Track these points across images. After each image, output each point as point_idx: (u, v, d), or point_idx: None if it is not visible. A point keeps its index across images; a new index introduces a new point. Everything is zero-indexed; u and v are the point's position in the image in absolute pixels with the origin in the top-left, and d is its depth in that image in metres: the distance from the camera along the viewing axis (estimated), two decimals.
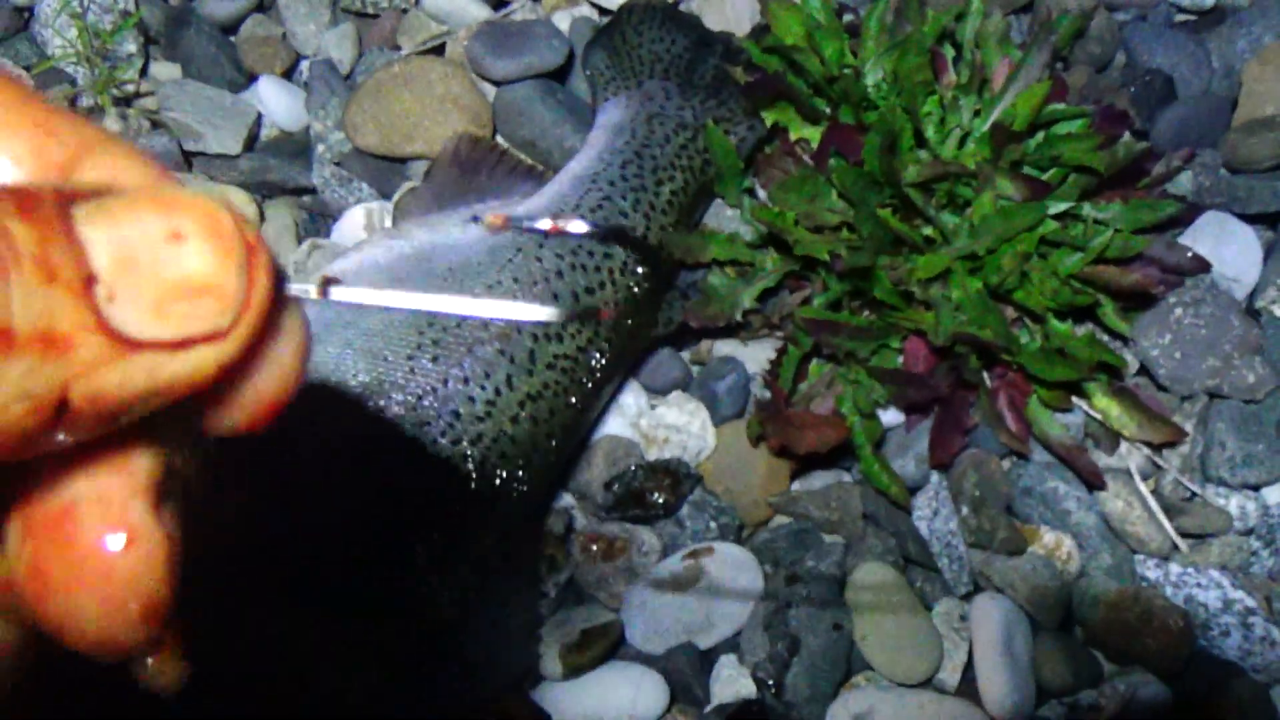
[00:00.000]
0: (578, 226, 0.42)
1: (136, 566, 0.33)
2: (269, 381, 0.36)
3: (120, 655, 0.34)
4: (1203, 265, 1.16)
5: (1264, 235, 1.22)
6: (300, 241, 1.26)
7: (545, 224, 0.42)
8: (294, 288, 0.37)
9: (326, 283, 0.40)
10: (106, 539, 0.33)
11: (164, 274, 0.32)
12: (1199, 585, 1.11)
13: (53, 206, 0.32)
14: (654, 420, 1.16)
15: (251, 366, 0.35)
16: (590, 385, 1.09)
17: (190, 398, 0.34)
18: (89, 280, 0.32)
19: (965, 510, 1.12)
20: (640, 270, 1.14)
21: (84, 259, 0.32)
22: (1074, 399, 1.14)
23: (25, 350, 0.30)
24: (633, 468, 1.13)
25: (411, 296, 0.41)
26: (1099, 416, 1.14)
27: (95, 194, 0.33)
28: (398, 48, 1.38)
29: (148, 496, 0.34)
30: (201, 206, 0.33)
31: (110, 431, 0.33)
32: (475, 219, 1.15)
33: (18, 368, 0.30)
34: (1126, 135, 1.21)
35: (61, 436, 0.32)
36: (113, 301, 0.32)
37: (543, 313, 0.42)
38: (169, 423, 0.35)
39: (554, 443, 1.06)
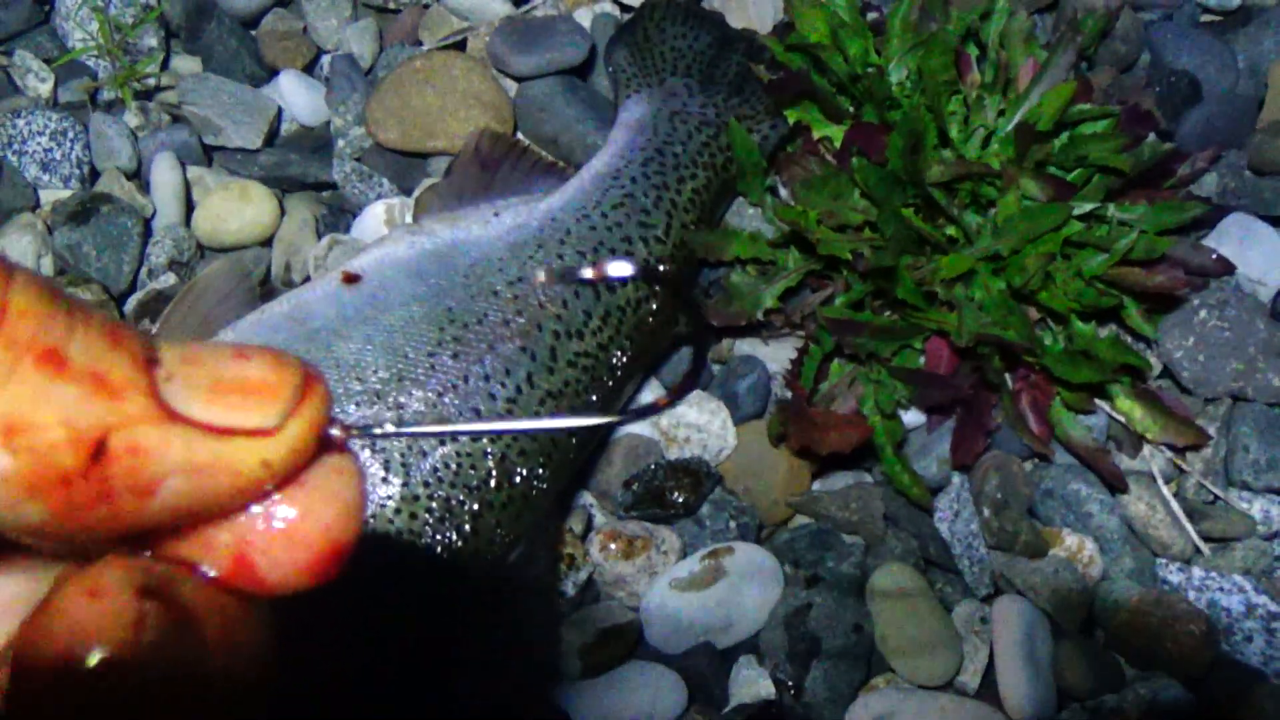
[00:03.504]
0: (622, 269, 0.43)
1: (97, 617, 0.33)
2: (318, 522, 0.36)
3: None
4: (1227, 267, 1.15)
5: None
6: (320, 237, 1.26)
7: (588, 273, 0.43)
8: (356, 430, 0.38)
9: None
10: (78, 595, 0.33)
11: (222, 372, 0.34)
12: (1221, 590, 1.10)
13: (134, 327, 0.35)
14: (674, 419, 1.16)
15: (298, 503, 0.35)
16: (611, 383, 1.09)
17: (234, 494, 0.34)
18: (151, 360, 0.33)
19: (987, 512, 1.12)
20: (662, 267, 1.14)
21: (151, 349, 0.34)
22: (1097, 401, 1.13)
23: (74, 380, 0.32)
24: (653, 467, 1.13)
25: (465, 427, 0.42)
26: (1122, 419, 1.13)
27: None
28: (419, 43, 1.38)
29: (128, 573, 0.34)
30: (269, 348, 0.35)
31: (137, 523, 0.34)
32: (496, 214, 1.14)
33: (64, 394, 0.32)
34: (1151, 136, 1.20)
35: (93, 499, 0.32)
36: (169, 381, 0.33)
37: (593, 421, 0.44)
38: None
39: (574, 441, 1.06)
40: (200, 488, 0.34)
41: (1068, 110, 1.13)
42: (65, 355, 0.31)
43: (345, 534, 0.36)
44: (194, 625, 0.34)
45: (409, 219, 1.23)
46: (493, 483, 1.00)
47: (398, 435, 0.40)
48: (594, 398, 1.07)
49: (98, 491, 0.32)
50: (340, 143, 1.32)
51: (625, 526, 1.12)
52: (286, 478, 0.35)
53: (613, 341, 1.09)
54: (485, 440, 1.00)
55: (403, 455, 0.98)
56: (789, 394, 1.13)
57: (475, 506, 0.99)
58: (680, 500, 1.12)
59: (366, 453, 0.99)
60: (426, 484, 0.98)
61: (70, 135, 1.28)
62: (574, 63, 1.30)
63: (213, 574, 0.36)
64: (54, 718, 0.33)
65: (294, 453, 0.34)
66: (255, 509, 0.35)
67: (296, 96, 1.35)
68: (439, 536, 0.99)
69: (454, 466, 0.99)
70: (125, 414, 0.32)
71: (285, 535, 0.35)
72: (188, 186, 1.29)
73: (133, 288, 1.24)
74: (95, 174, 1.30)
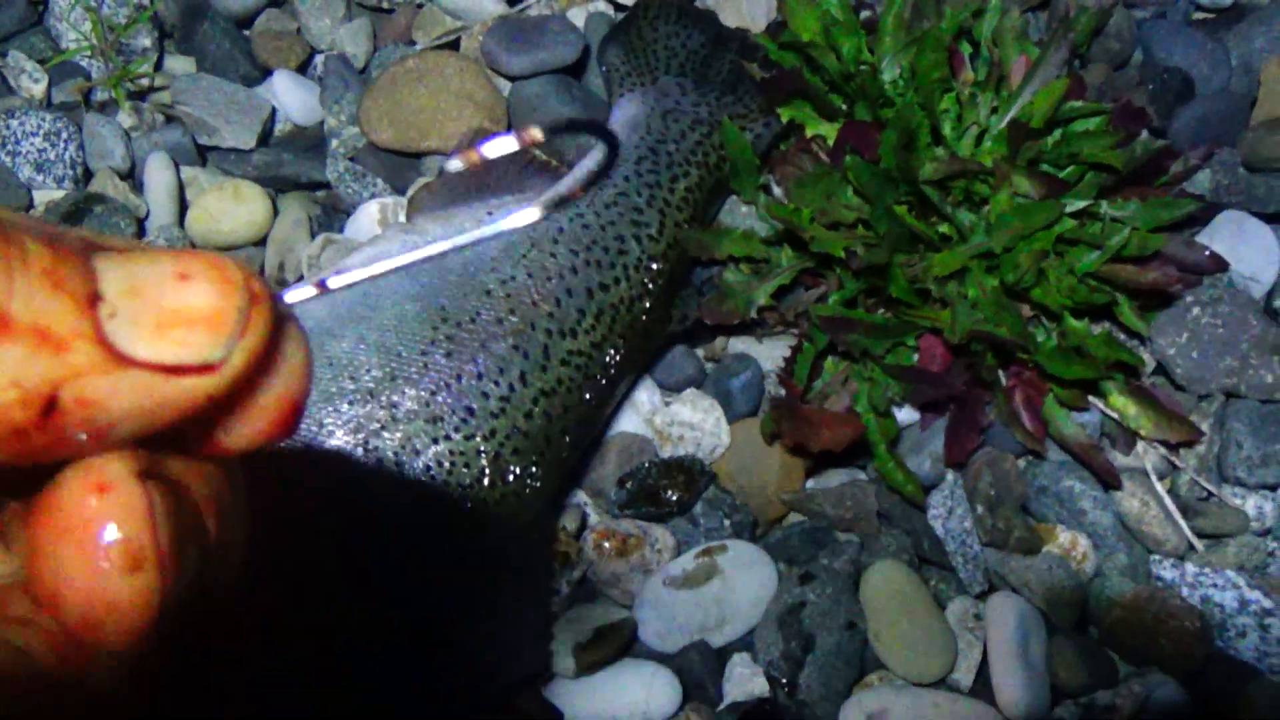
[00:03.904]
0: (536, 134, 0.44)
1: (112, 510, 0.34)
2: (272, 394, 0.37)
3: (115, 622, 0.34)
4: (1220, 264, 1.15)
5: None
6: (314, 236, 1.26)
7: (511, 144, 0.44)
8: (291, 292, 0.40)
9: (323, 284, 0.42)
10: (86, 495, 0.34)
11: (165, 303, 0.34)
12: (1215, 586, 1.10)
13: (75, 242, 0.34)
14: (668, 417, 1.16)
15: (253, 387, 0.37)
16: (604, 381, 1.09)
17: (183, 420, 0.35)
18: (94, 297, 0.33)
19: (980, 509, 1.12)
20: (655, 266, 1.14)
21: (92, 280, 0.34)
22: (1090, 398, 1.14)
23: (19, 339, 0.32)
24: (646, 465, 1.13)
25: (396, 260, 0.44)
26: (1115, 415, 1.13)
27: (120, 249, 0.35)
28: (413, 43, 1.38)
29: (127, 462, 0.35)
30: (212, 256, 0.35)
31: (94, 453, 0.34)
32: (489, 213, 1.14)
33: (11, 354, 0.32)
34: (1144, 133, 1.20)
35: (50, 443, 0.33)
36: (113, 319, 0.33)
37: (524, 217, 0.45)
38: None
39: (568, 439, 1.06)
40: (151, 423, 0.34)
41: (1060, 107, 1.13)
42: (7, 314, 0.32)
43: (297, 394, 0.37)
44: (188, 496, 0.36)
45: (402, 218, 1.24)
46: (486, 480, 1.00)
47: (349, 287, 0.42)
48: (587, 396, 1.07)
49: (53, 439, 0.33)
50: (334, 142, 1.32)
51: (619, 525, 1.12)
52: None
53: (606, 340, 1.09)
54: (478, 438, 1.00)
55: (396, 454, 0.98)
56: (782, 392, 1.13)
57: (469, 505, 0.99)
58: (674, 498, 1.12)
59: (360, 452, 0.99)
60: (420, 481, 0.98)
61: (64, 136, 1.28)
62: (567, 62, 1.30)
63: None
64: (89, 620, 0.34)
65: (241, 378, 0.35)
66: None
67: (290, 96, 1.35)
68: (433, 535, 0.99)
69: (447, 465, 0.99)
70: (73, 366, 0.33)
71: (243, 411, 0.37)
72: (181, 186, 1.29)
73: None
74: (89, 174, 1.30)
